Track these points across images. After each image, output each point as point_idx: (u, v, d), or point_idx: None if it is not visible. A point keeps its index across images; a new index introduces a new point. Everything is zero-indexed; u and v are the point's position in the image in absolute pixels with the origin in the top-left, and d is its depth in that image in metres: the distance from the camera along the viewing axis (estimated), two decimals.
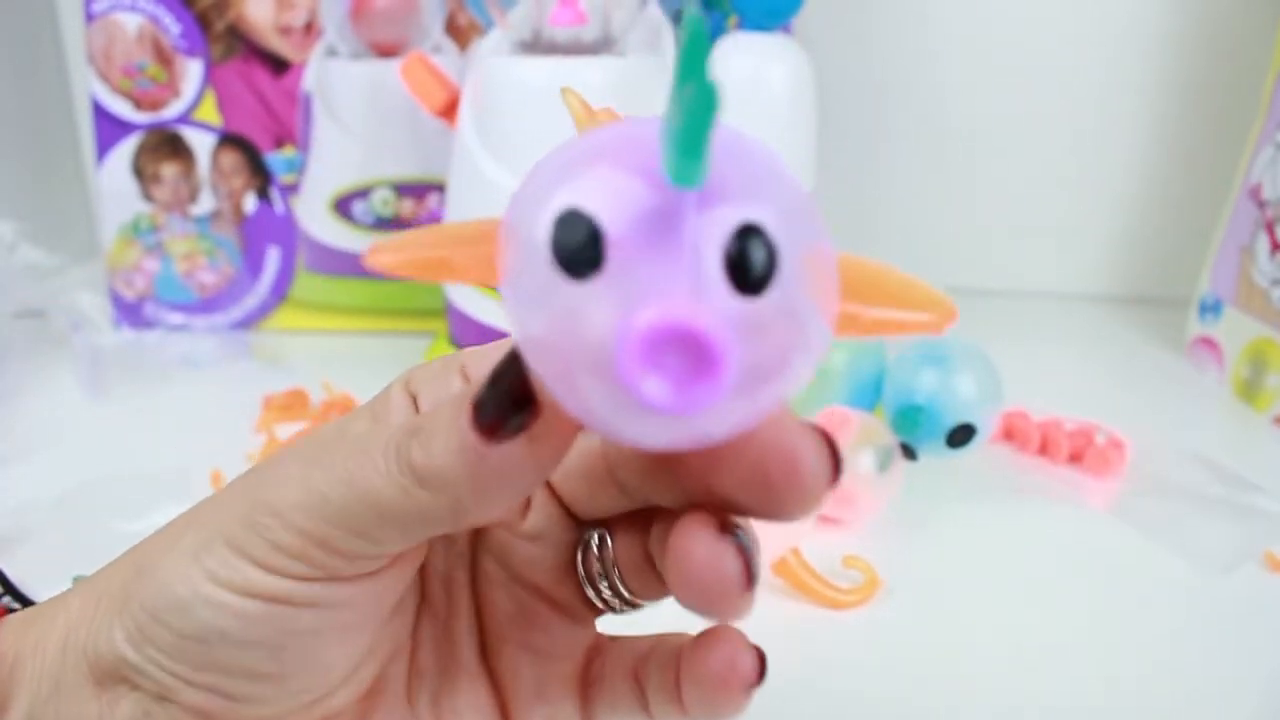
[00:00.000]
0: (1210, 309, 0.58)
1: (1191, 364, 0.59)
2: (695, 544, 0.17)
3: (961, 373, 0.40)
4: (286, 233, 0.59)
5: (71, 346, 0.53)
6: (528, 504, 0.21)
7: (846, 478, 0.37)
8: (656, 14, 0.48)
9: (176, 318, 0.59)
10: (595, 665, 0.21)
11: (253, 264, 0.59)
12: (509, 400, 0.16)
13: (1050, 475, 0.44)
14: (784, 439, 0.16)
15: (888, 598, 0.35)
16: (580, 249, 0.13)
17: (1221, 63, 0.64)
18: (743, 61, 0.48)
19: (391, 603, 0.20)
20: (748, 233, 0.13)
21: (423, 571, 0.21)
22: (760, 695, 0.29)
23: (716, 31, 0.52)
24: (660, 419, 0.14)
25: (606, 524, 0.21)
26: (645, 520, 0.20)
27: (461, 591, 0.21)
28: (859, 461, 0.37)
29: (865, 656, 0.32)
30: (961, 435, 0.40)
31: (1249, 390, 0.53)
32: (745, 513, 0.17)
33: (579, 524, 0.21)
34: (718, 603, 0.17)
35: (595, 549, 0.21)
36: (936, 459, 0.41)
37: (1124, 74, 0.65)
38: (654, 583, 0.20)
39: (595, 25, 0.46)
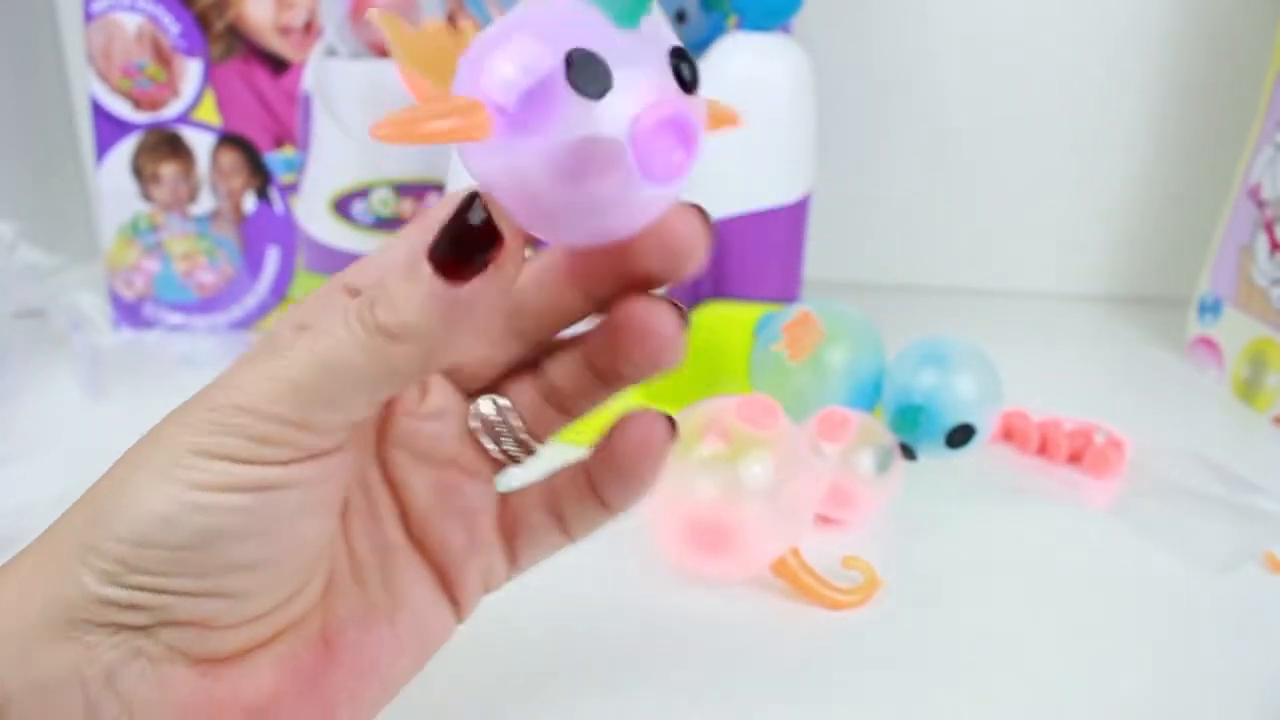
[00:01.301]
0: (1210, 309, 0.58)
1: (1191, 364, 0.59)
2: (640, 307, 0.22)
3: (961, 373, 0.40)
4: (286, 233, 0.59)
5: (71, 346, 0.53)
6: (426, 388, 0.24)
7: (846, 478, 0.37)
8: (656, 14, 0.48)
9: (176, 318, 0.59)
10: (508, 511, 0.25)
11: (252, 264, 0.59)
12: (474, 237, 0.18)
13: (1050, 475, 0.44)
14: (674, 215, 0.21)
15: (887, 598, 0.35)
16: (597, 76, 0.17)
17: (1221, 63, 0.64)
18: (743, 61, 0.48)
19: (351, 478, 0.22)
20: (678, 54, 0.19)
21: None
22: (760, 695, 0.29)
23: (716, 31, 0.52)
24: (640, 198, 0.18)
25: (493, 387, 0.24)
26: (532, 368, 0.24)
27: (376, 486, 0.24)
28: (859, 461, 0.37)
29: (865, 656, 0.32)
30: (961, 435, 0.40)
31: (1249, 390, 0.53)
32: (654, 280, 0.22)
33: (469, 395, 0.24)
34: (666, 347, 0.22)
35: (492, 410, 0.24)
36: (936, 459, 0.41)
37: (1124, 74, 0.65)
38: (553, 418, 0.24)
39: None
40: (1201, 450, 0.46)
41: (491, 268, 0.18)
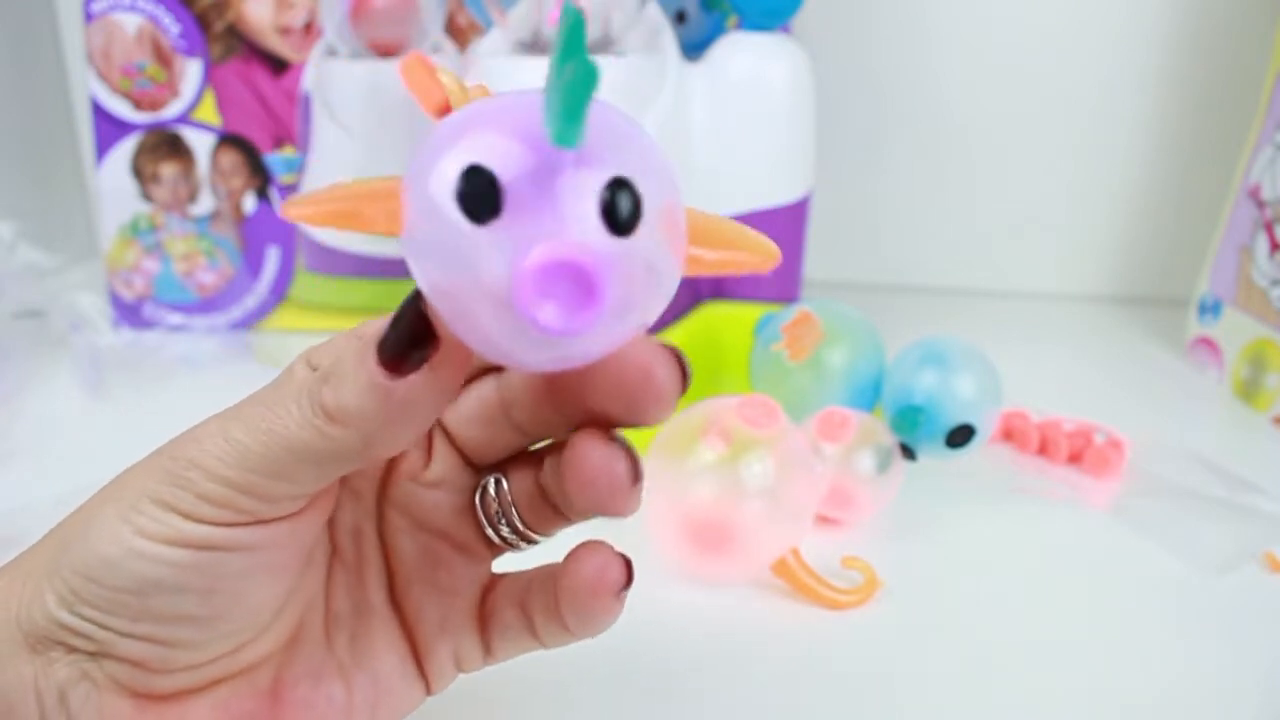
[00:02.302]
0: (1210, 309, 0.58)
1: (1191, 364, 0.59)
2: (589, 449, 0.20)
3: (961, 373, 0.40)
4: (286, 233, 0.59)
5: (71, 347, 0.53)
6: (429, 453, 0.23)
7: (846, 478, 0.37)
8: (656, 14, 0.48)
9: (176, 318, 0.59)
10: (489, 599, 0.24)
11: (252, 264, 0.59)
12: (410, 336, 0.18)
13: (1049, 475, 0.44)
14: (640, 355, 0.19)
15: (887, 598, 0.35)
16: (482, 198, 0.15)
17: (1221, 63, 0.64)
18: (743, 61, 0.48)
19: (309, 545, 0.22)
20: (618, 185, 0.16)
21: (332, 527, 0.23)
22: (760, 695, 0.29)
23: (716, 31, 0.52)
24: (547, 342, 0.16)
25: (501, 468, 0.23)
26: (537, 460, 0.23)
27: (369, 543, 0.24)
28: (859, 462, 0.37)
29: (865, 656, 0.32)
30: (961, 436, 0.40)
31: (1248, 390, 0.53)
32: (618, 423, 0.20)
33: (476, 470, 0.24)
34: (612, 498, 0.20)
35: (493, 491, 0.23)
36: (936, 459, 0.41)
37: (1124, 74, 0.65)
38: (549, 516, 0.23)
39: (595, 25, 0.46)
40: (1201, 450, 0.46)
41: (426, 368, 0.18)
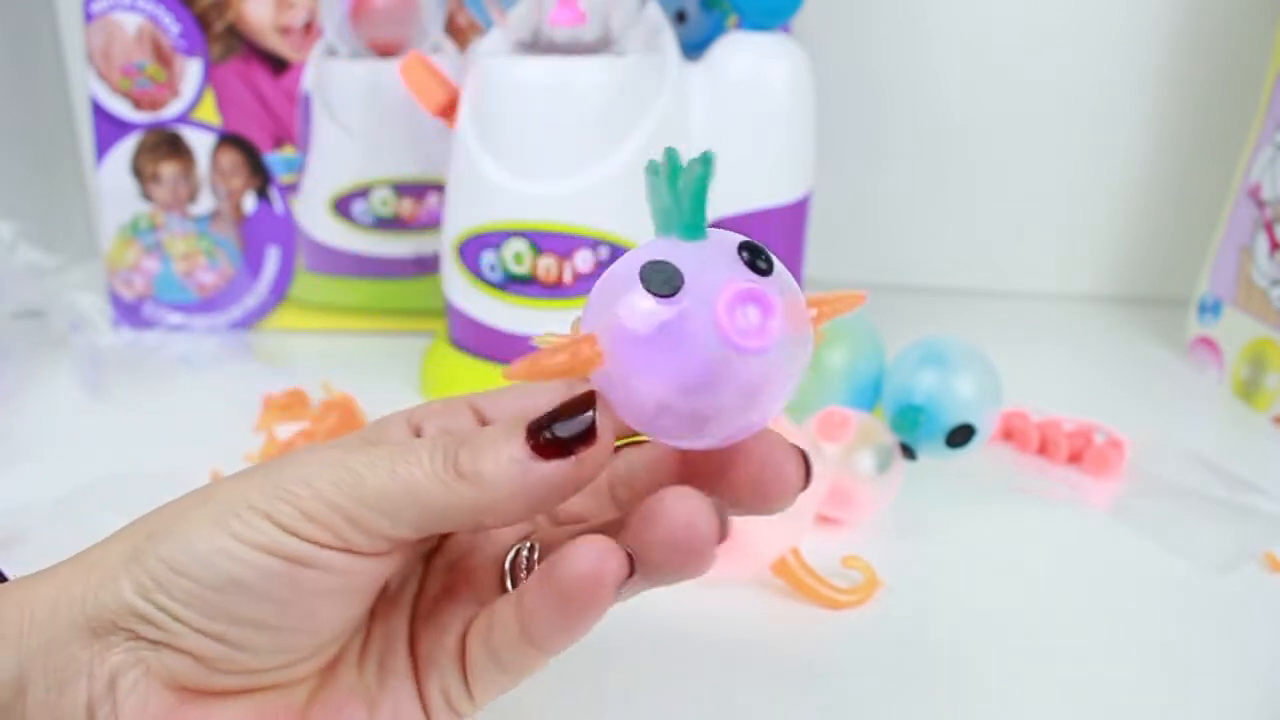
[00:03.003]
0: (1210, 309, 0.58)
1: (1191, 364, 0.59)
2: (680, 502, 0.20)
3: (961, 373, 0.40)
4: (286, 233, 0.59)
5: (71, 347, 0.53)
6: None
7: (846, 478, 0.37)
8: (656, 14, 0.48)
9: (176, 318, 0.59)
10: (466, 637, 0.24)
11: (252, 264, 0.59)
12: (571, 429, 0.20)
13: (1049, 475, 0.44)
14: (776, 452, 0.22)
15: (887, 598, 0.35)
16: (668, 278, 0.19)
17: (1221, 63, 0.64)
18: (743, 61, 0.48)
19: (384, 580, 0.22)
20: (745, 246, 0.20)
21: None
22: (760, 695, 0.29)
23: (716, 31, 0.52)
24: (704, 429, 0.20)
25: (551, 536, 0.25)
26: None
27: (413, 576, 0.25)
28: (859, 461, 0.37)
29: (865, 656, 0.32)
30: (961, 435, 0.40)
31: (1248, 390, 0.53)
32: (739, 508, 0.22)
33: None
34: (695, 556, 0.20)
35: (525, 552, 0.25)
36: (936, 459, 0.41)
37: (1124, 74, 0.65)
38: None
39: (595, 25, 0.46)
40: (1201, 450, 0.46)
41: (574, 459, 0.20)
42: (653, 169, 0.20)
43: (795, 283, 0.21)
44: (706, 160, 0.19)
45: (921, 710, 0.30)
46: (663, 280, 0.19)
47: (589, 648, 0.31)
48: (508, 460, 0.20)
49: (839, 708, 0.30)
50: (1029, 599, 0.35)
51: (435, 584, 0.25)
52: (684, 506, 0.20)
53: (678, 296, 0.19)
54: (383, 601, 0.24)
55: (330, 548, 0.20)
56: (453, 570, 0.25)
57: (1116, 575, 0.37)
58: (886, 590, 0.35)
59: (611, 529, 0.22)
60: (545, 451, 0.20)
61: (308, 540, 0.20)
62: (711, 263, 0.20)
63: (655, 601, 0.34)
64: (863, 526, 0.39)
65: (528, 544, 0.25)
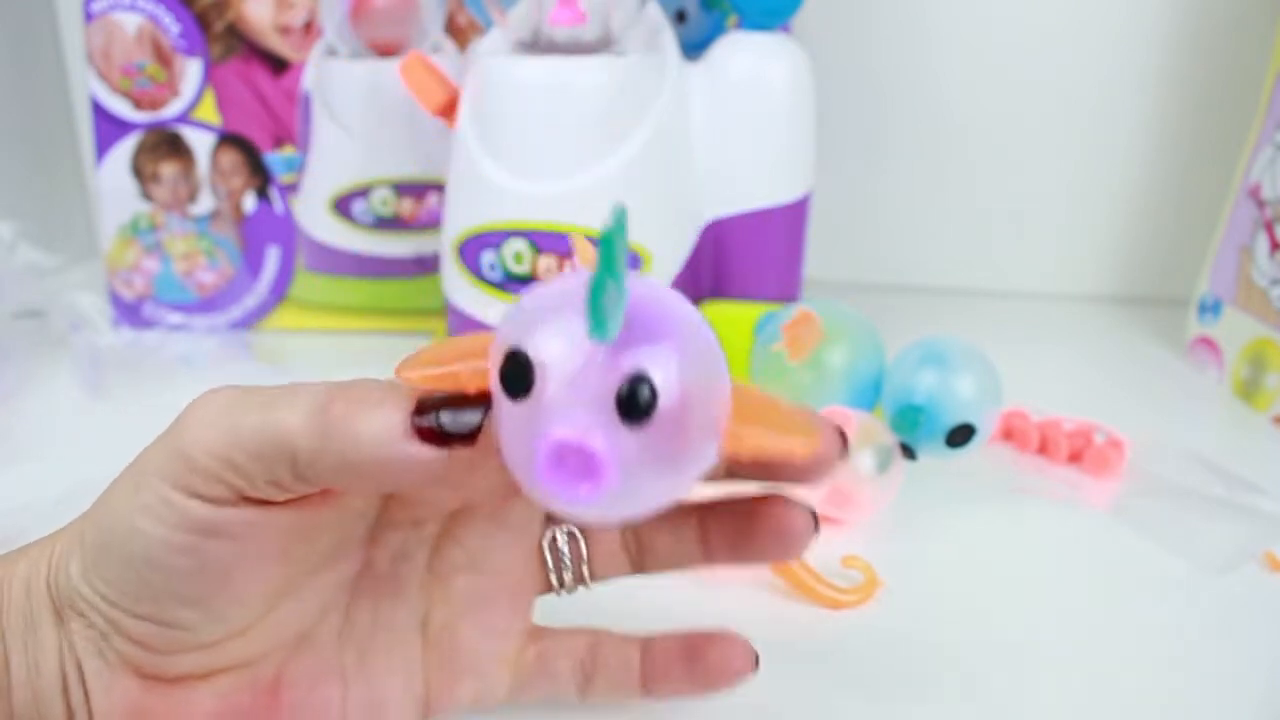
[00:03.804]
0: (1210, 309, 0.58)
1: (1191, 364, 0.59)
2: (778, 507, 0.23)
3: (961, 373, 0.40)
4: (286, 232, 0.59)
5: (71, 347, 0.53)
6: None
7: (846, 477, 0.37)
8: (656, 14, 0.48)
9: (176, 318, 0.59)
10: (534, 648, 0.25)
11: (252, 264, 0.59)
12: (455, 426, 0.19)
13: (1049, 475, 0.44)
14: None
15: (887, 598, 0.35)
16: (517, 379, 0.17)
17: (1221, 63, 0.64)
18: (743, 61, 0.48)
19: (308, 548, 0.22)
20: (638, 380, 0.17)
21: (373, 545, 0.24)
22: (759, 695, 0.29)
23: (716, 31, 0.52)
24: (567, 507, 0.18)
25: None
26: None
27: (414, 569, 0.24)
28: (859, 461, 0.37)
29: (865, 656, 0.32)
30: (961, 435, 0.40)
31: (1249, 390, 0.53)
32: (750, 557, 0.25)
33: (550, 518, 0.25)
34: (796, 544, 0.23)
35: (563, 541, 0.25)
36: (936, 459, 0.41)
37: (1124, 74, 0.65)
38: (622, 564, 0.26)
39: (595, 25, 0.46)
40: (1201, 450, 0.46)
41: (448, 453, 0.19)
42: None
43: (714, 402, 0.18)
44: (619, 287, 0.16)
45: (922, 710, 0.30)
46: (514, 377, 0.17)
47: None
48: (383, 427, 0.18)
49: (839, 708, 0.30)
50: (1029, 599, 0.35)
51: (461, 588, 0.24)
52: (780, 509, 0.23)
53: (528, 398, 0.17)
54: (372, 589, 0.24)
55: (223, 503, 0.19)
56: (479, 571, 0.25)
57: (1116, 575, 0.37)
58: (886, 590, 0.35)
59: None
60: (423, 434, 0.18)
61: (203, 498, 0.19)
62: (577, 383, 0.17)
63: (656, 601, 0.34)
64: (863, 526, 0.39)
65: (565, 529, 0.25)
